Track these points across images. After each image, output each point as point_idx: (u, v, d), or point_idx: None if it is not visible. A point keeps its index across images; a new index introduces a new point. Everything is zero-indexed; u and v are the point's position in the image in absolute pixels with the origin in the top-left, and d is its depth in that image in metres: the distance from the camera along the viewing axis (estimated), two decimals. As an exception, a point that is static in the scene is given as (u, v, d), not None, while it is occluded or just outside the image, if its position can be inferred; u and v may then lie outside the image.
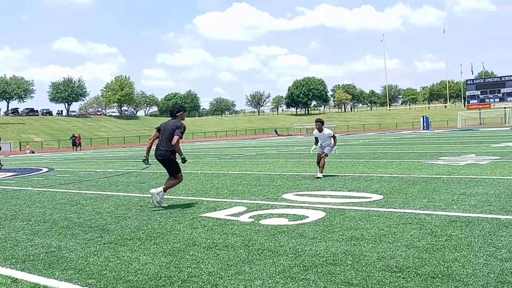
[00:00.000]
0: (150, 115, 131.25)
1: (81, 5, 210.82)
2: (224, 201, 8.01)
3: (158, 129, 8.12)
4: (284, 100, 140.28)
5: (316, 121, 11.73)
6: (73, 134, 57.45)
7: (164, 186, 7.88)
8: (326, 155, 11.38)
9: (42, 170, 18.69)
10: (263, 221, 6.18)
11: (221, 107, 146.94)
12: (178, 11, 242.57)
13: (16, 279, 4.21)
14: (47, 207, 8.31)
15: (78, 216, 7.22)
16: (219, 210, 7.21)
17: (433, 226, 5.51)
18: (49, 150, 58.25)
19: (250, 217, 6.53)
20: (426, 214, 6.22)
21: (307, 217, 6.34)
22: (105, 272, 4.27)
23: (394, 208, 6.74)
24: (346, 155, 17.96)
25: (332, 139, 11.49)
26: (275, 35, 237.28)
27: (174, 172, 7.95)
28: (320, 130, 11.53)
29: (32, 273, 4.34)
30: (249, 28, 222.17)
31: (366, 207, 6.92)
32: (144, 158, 8.39)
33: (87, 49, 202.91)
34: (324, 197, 8.02)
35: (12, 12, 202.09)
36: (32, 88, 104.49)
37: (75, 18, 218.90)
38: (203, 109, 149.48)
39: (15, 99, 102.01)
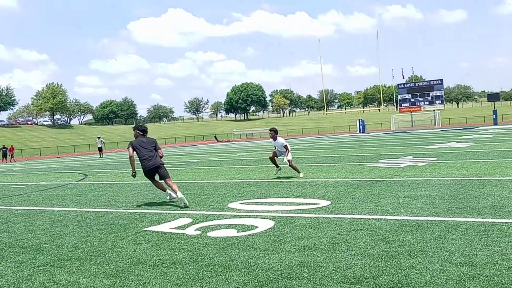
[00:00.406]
0: (85, 124, 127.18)
1: (6, 8, 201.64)
2: (168, 213, 7.66)
3: (134, 147, 8.92)
4: (223, 106, 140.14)
5: (269, 130, 12.25)
6: (3, 145, 54.47)
7: (176, 188, 8.46)
8: (289, 160, 11.69)
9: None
10: (210, 233, 5.90)
11: (159, 114, 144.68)
12: (111, 16, 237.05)
13: None
14: (-28, 227, 7.63)
15: (9, 236, 6.65)
16: (163, 223, 6.86)
17: (384, 231, 5.44)
18: (-25, 163, 54.89)
19: (197, 229, 6.23)
20: (375, 219, 6.17)
21: (256, 227, 6.13)
22: (40, 300, 3.85)
23: (343, 214, 6.66)
24: (288, 160, 17.95)
25: (284, 148, 11.81)
26: (212, 41, 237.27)
27: (167, 174, 8.97)
28: (274, 138, 11.97)
29: (-46, 306, 3.86)
30: (185, 34, 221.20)
31: (315, 214, 6.80)
32: (133, 173, 9.25)
33: (15, 56, 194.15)
34: (271, 204, 7.85)
35: None
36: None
37: (1, 23, 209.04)
38: (140, 116, 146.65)
39: None
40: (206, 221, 6.77)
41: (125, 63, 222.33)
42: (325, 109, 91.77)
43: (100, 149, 39.46)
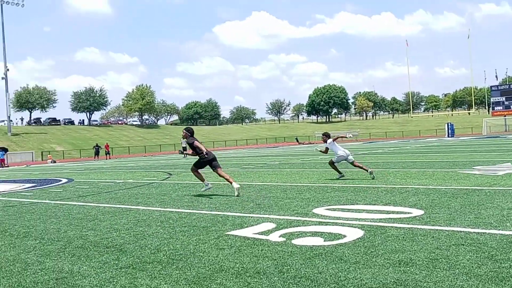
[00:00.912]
0: (171, 124, 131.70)
1: (102, 15, 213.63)
2: (251, 217, 7.43)
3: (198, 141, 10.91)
4: (304, 108, 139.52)
5: (322, 135, 13.31)
6: (96, 144, 57.59)
7: (231, 179, 10.43)
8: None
9: (61, 181, 18.37)
10: (295, 241, 5.58)
11: (242, 116, 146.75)
12: (198, 20, 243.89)
13: (20, 313, 3.69)
14: (62, 223, 7.84)
15: (95, 234, 6.72)
16: (246, 227, 6.63)
17: (490, 248, 4.84)
18: (70, 160, 58.48)
19: (281, 235, 5.93)
20: (478, 233, 5.54)
21: (344, 236, 5.72)
22: (120, 306, 3.72)
23: (439, 225, 6.08)
24: (373, 165, 17.23)
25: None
26: (295, 43, 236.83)
27: (219, 165, 10.84)
28: (325, 142, 12.78)
29: (38, 306, 3.81)
30: (268, 36, 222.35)
31: (408, 224, 6.26)
32: (185, 155, 10.77)
33: (108, 59, 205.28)
34: (359, 212, 7.38)
35: (35, 24, 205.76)
36: (55, 98, 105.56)
37: (97, 28, 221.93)
38: (223, 117, 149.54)
39: (37, 109, 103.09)
40: (291, 227, 6.45)
41: (210, 65, 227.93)
42: (411, 111, 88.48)
43: (184, 149, 40.42)
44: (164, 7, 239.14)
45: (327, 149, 12.92)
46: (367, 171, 12.21)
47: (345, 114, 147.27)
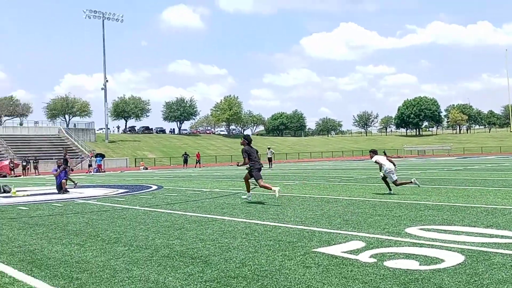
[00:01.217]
0: (257, 134, 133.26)
1: (194, 29, 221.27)
2: (339, 233, 7.11)
3: (247, 151, 12.00)
4: (393, 120, 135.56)
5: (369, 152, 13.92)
6: (185, 152, 59.49)
7: (270, 186, 11.57)
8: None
9: (151, 187, 18.99)
10: (388, 263, 5.20)
11: (327, 127, 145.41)
12: (285, 33, 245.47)
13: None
14: (150, 230, 7.97)
15: (181, 243, 6.72)
16: (334, 244, 6.33)
17: None
18: (161, 167, 60.79)
19: (372, 256, 5.57)
20: None
21: (442, 260, 5.26)
22: (204, 323, 3.59)
23: (553, 254, 5.42)
24: (470, 182, 16.16)
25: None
26: (383, 54, 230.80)
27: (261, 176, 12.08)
28: (371, 158, 13.41)
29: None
30: (356, 47, 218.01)
31: (516, 251, 5.65)
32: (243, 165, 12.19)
33: (198, 71, 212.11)
34: (457, 234, 6.82)
35: (134, 38, 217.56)
36: (148, 108, 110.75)
37: (189, 42, 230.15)
38: (309, 129, 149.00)
39: (132, 118, 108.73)
40: (382, 247, 6.06)
41: (296, 77, 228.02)
42: (511, 126, 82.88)
43: (269, 160, 40.59)
44: (252, 20, 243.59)
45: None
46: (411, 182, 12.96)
47: (437, 128, 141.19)
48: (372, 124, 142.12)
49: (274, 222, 8.40)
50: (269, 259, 5.60)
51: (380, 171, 13.23)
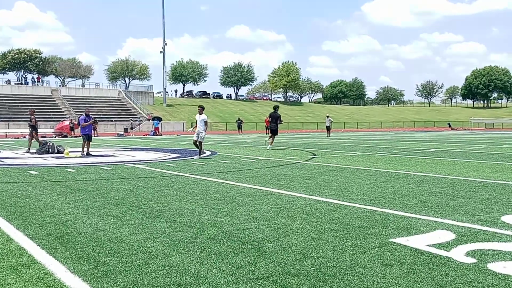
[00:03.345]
0: (314, 102, 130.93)
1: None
2: (418, 219, 5.92)
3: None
4: (459, 91, 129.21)
5: None
6: (238, 118, 58.92)
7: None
8: None
9: (205, 153, 18.26)
10: (493, 266, 4.02)
11: (388, 97, 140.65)
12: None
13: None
14: (198, 203, 7.07)
15: (231, 222, 5.77)
16: (415, 234, 5.17)
17: None
18: (216, 132, 60.59)
19: (468, 253, 4.39)
20: None
21: None
22: None
23: None
24: (558, 160, 14.31)
25: None
26: (450, 21, 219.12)
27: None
28: None
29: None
30: (422, 14, 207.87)
31: None
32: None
33: (257, 36, 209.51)
34: None
35: (193, 3, 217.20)
36: (206, 72, 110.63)
37: (248, 7, 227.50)
38: (368, 98, 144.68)
39: (190, 82, 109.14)
40: (478, 241, 4.85)
41: (356, 44, 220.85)
42: None
43: (328, 128, 39.19)
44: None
45: None
46: None
47: (507, 100, 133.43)
48: (437, 94, 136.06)
49: (338, 200, 7.30)
50: (336, 250, 4.54)
51: None
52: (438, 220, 5.84)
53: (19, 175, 11.03)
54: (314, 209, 6.58)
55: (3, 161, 15.03)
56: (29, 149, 19.70)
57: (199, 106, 16.23)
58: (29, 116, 20.99)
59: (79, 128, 18.21)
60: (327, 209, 6.55)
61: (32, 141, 20.24)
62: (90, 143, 17.84)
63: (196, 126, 15.90)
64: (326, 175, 10.64)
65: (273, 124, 21.41)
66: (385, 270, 3.93)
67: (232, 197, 7.65)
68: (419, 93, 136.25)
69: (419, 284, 3.60)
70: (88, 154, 17.12)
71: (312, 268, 3.98)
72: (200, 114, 15.79)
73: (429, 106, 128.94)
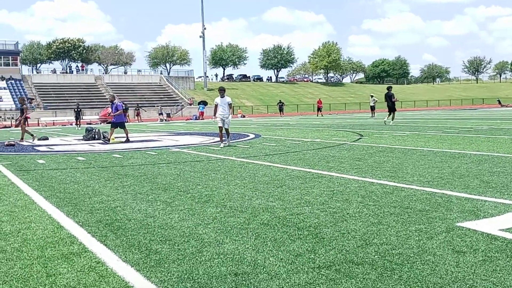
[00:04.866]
0: (356, 82, 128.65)
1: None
2: (484, 201, 5.51)
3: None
4: (508, 66, 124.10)
5: None
6: (280, 100, 58.49)
7: None
8: None
9: (249, 136, 18.09)
10: None
11: (433, 74, 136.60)
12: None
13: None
14: (247, 187, 6.86)
15: (283, 206, 5.53)
16: (483, 217, 4.78)
17: None
18: (258, 115, 60.46)
19: (551, 240, 4.00)
20: None
21: None
22: None
23: None
24: None
25: None
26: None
27: None
28: None
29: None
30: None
31: None
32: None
33: (295, 18, 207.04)
34: None
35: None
36: (245, 55, 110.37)
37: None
38: (412, 76, 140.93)
39: (230, 66, 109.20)
40: (556, 225, 4.43)
41: (398, 22, 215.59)
42: None
43: (372, 108, 38.34)
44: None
45: None
46: None
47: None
48: (484, 70, 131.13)
49: (393, 182, 6.94)
50: (400, 235, 4.22)
51: None
52: (507, 202, 5.42)
53: (67, 161, 11.13)
54: (369, 191, 6.25)
55: (51, 148, 15.29)
56: (22, 138, 19.06)
57: (220, 88, 14.09)
58: (21, 104, 20.12)
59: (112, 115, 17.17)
60: (383, 192, 6.21)
61: (24, 128, 19.51)
62: (115, 129, 17.11)
63: (216, 111, 13.84)
64: (376, 156, 10.24)
65: (389, 102, 23.64)
66: (457, 257, 3.60)
67: (282, 180, 7.40)
68: (465, 69, 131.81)
69: (498, 273, 3.26)
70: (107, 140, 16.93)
71: (376, 256, 3.69)
72: (222, 97, 13.72)
73: (477, 82, 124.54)
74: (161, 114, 50.63)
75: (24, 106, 20.04)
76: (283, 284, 3.18)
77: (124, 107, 17.33)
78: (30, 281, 3.39)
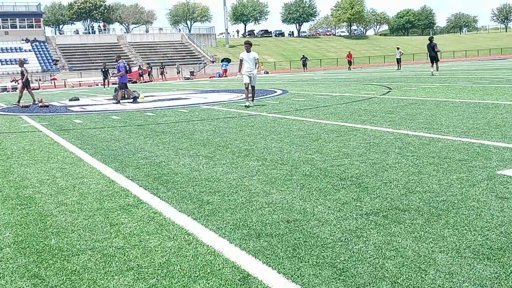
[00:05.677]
0: (380, 35, 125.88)
1: None
2: (523, 150, 5.56)
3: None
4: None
5: None
6: (303, 55, 57.84)
7: None
8: None
9: (276, 92, 18.14)
10: None
11: (460, 24, 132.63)
12: None
13: None
14: (284, 141, 7.02)
15: (322, 158, 5.67)
16: (524, 165, 4.86)
17: None
18: (281, 71, 60.08)
19: None
20: None
21: None
22: None
23: None
24: None
25: None
26: None
27: None
28: None
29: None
30: None
31: None
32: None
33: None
34: None
35: None
36: (267, 10, 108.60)
37: None
38: (437, 26, 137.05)
39: (251, 21, 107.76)
40: None
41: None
42: None
43: (398, 61, 37.73)
44: None
45: None
46: None
47: None
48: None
49: (429, 133, 7.00)
50: (442, 183, 4.34)
51: None
52: (546, 150, 5.46)
53: (103, 120, 11.42)
54: (406, 143, 6.34)
55: (84, 108, 15.64)
56: (19, 101, 19.04)
57: (246, 43, 13.14)
58: (21, 68, 19.82)
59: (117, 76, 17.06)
60: (419, 143, 6.29)
61: (24, 92, 19.66)
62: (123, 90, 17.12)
63: (241, 67, 12.91)
64: (408, 108, 10.24)
65: (432, 52, 23.78)
66: (501, 203, 3.71)
67: (317, 134, 7.52)
68: (494, 17, 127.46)
69: (543, 217, 3.38)
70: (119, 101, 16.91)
71: (421, 203, 3.83)
72: (248, 52, 12.83)
73: (506, 31, 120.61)
74: (179, 72, 50.65)
75: (23, 69, 19.85)
76: (334, 230, 3.36)
77: (126, 68, 16.96)
78: (96, 230, 3.64)
